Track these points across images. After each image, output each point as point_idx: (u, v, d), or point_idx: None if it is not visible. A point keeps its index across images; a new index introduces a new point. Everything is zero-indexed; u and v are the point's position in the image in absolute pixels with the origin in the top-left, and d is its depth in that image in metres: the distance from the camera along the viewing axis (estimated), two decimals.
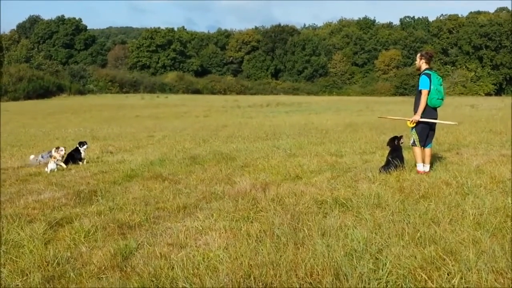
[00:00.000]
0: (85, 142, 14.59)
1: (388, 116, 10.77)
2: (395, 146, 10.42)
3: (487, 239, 5.48)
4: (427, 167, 9.95)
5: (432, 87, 9.63)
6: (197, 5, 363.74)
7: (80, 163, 13.89)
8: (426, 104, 9.70)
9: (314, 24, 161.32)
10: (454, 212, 6.65)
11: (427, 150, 10.02)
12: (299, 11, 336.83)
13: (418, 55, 10.16)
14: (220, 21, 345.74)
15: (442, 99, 9.85)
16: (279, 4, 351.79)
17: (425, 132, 9.91)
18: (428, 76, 9.68)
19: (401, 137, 10.53)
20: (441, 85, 9.81)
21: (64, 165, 13.11)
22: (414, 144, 9.92)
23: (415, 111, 9.89)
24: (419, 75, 9.95)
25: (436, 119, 9.94)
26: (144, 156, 15.34)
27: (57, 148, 13.37)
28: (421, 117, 9.75)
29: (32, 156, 14.71)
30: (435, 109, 9.88)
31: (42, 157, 14.19)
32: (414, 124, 9.81)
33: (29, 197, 9.00)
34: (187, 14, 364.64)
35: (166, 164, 12.84)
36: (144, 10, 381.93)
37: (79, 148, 14.14)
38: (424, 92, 9.64)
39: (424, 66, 9.97)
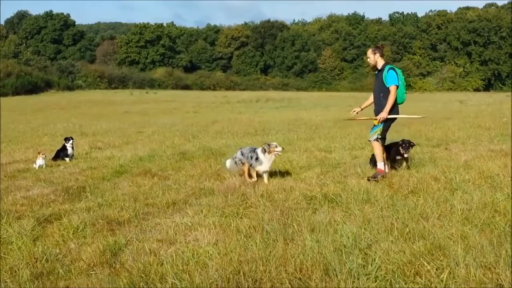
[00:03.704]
0: (71, 137, 14.38)
1: (353, 118, 10.48)
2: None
3: (476, 234, 5.50)
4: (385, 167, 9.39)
5: (400, 81, 9.18)
6: (183, 2, 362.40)
7: (67, 159, 13.69)
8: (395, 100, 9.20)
9: (303, 19, 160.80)
10: (443, 208, 6.68)
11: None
12: (286, 8, 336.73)
13: (370, 50, 9.49)
14: (209, 17, 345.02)
15: (406, 93, 9.47)
16: (266, 1, 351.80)
17: (388, 129, 9.49)
18: (394, 70, 9.21)
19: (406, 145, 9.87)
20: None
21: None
22: (376, 139, 9.33)
23: (378, 108, 9.33)
24: (378, 71, 9.38)
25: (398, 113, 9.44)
26: (133, 152, 15.29)
27: (269, 145, 9.32)
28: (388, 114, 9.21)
29: (228, 161, 10.12)
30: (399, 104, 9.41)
31: (242, 154, 9.67)
32: (381, 122, 9.24)
33: (17, 194, 8.95)
34: (175, 10, 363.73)
35: (155, 160, 12.82)
36: (131, 8, 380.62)
37: (66, 144, 13.96)
38: (394, 88, 9.09)
39: (381, 60, 9.41)
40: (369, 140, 9.60)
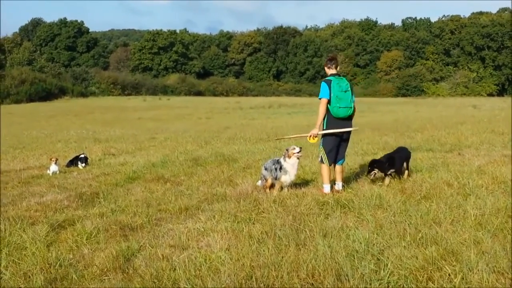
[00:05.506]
0: (85, 157, 14.46)
1: (285, 136, 10.46)
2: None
3: (489, 239, 5.47)
4: (339, 185, 8.78)
5: (332, 94, 8.37)
6: (193, 5, 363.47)
7: (80, 166, 13.76)
8: (330, 115, 8.48)
9: (316, 25, 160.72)
10: (456, 213, 6.65)
11: (338, 167, 8.82)
12: (293, 8, 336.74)
13: (324, 65, 8.91)
14: (219, 22, 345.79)
15: (347, 107, 8.47)
16: (275, 4, 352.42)
17: (333, 146, 8.65)
18: (328, 82, 8.45)
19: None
20: (345, 91, 8.43)
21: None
22: (321, 161, 8.65)
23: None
24: None
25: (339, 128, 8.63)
26: (146, 158, 15.36)
27: (287, 150, 8.88)
28: (325, 129, 8.58)
29: (259, 182, 9.46)
30: (343, 119, 8.54)
31: (265, 169, 9.05)
32: (317, 139, 8.60)
33: (32, 200, 9.03)
34: (185, 14, 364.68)
35: (168, 166, 12.86)
36: (140, 12, 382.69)
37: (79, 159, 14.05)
38: (323, 102, 8.42)
39: (330, 72, 8.68)
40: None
